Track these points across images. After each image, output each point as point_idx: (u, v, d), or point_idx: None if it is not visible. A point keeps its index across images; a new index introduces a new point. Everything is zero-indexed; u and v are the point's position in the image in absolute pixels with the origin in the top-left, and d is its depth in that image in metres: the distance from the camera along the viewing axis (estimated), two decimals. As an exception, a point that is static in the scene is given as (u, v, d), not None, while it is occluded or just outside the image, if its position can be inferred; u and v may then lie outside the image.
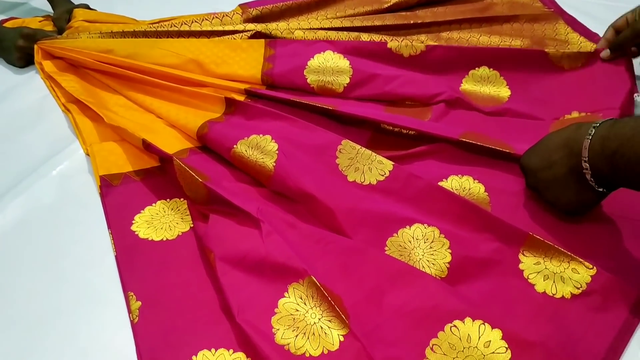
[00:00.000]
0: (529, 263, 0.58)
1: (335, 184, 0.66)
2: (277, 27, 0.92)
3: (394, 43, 0.85)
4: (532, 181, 0.63)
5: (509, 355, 0.50)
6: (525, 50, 0.84)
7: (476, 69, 0.83)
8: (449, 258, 0.58)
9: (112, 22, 0.99)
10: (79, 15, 0.97)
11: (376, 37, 0.90)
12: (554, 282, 0.56)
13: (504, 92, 0.82)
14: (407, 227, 0.61)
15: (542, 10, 0.99)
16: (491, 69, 0.83)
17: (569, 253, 0.56)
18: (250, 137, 0.71)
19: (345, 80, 0.82)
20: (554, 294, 0.55)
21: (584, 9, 0.99)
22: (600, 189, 0.56)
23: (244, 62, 0.85)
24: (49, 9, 1.08)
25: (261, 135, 0.71)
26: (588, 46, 0.86)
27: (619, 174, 0.52)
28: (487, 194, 0.65)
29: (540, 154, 0.61)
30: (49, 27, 1.02)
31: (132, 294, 0.58)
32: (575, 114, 0.75)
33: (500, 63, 0.83)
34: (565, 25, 0.95)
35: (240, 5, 1.00)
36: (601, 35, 0.85)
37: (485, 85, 0.83)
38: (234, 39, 0.89)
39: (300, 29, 0.92)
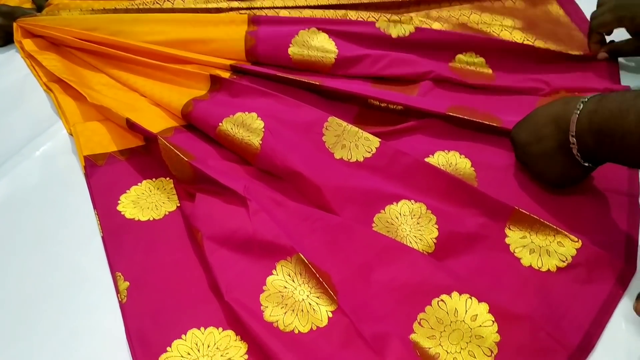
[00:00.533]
0: (515, 237, 0.58)
1: (322, 161, 0.66)
2: (261, 5, 0.91)
3: (382, 23, 0.84)
4: (520, 154, 0.64)
5: (496, 329, 0.50)
6: (514, 43, 0.83)
7: (463, 54, 0.83)
8: (435, 233, 0.59)
9: (92, -1, 0.97)
10: (58, -9, 0.95)
11: (364, 15, 0.88)
12: (539, 255, 0.56)
13: (490, 75, 0.81)
14: (394, 203, 0.62)
15: None
16: (477, 56, 0.83)
17: (555, 227, 0.57)
18: (236, 115, 0.70)
19: (330, 60, 0.81)
20: (539, 268, 0.56)
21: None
22: (586, 164, 0.56)
23: (228, 37, 0.83)
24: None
25: (247, 112, 0.70)
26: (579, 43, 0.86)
27: (604, 148, 0.52)
28: (473, 169, 0.66)
29: (529, 128, 0.61)
30: (27, 4, 1.00)
31: (119, 274, 0.58)
32: (562, 93, 0.76)
33: (488, 52, 0.83)
34: (559, 7, 0.94)
35: None
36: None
37: (473, 65, 0.82)
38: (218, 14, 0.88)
39: (285, 7, 0.90)
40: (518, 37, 0.87)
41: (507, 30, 0.89)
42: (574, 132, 0.54)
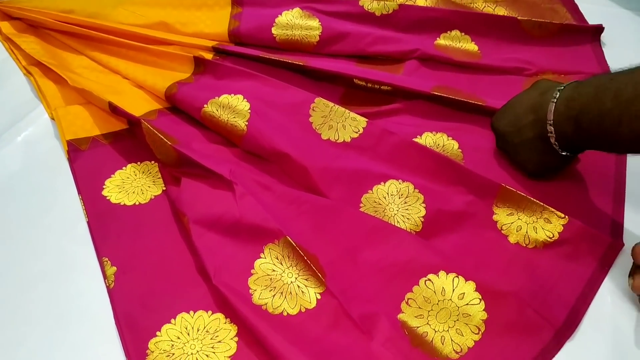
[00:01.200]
0: (502, 214, 0.58)
1: (309, 142, 0.65)
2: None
3: (365, 2, 0.83)
4: (501, 143, 0.64)
5: (483, 307, 0.51)
6: (497, 16, 0.83)
7: (448, 32, 0.82)
8: (423, 212, 0.59)
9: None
10: (36, -28, 0.93)
11: None
12: (526, 232, 0.57)
13: (476, 53, 0.81)
14: (382, 183, 0.61)
15: None
16: (463, 33, 0.82)
17: (541, 203, 0.57)
18: (221, 97, 0.69)
19: (315, 37, 0.80)
20: (527, 244, 0.56)
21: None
22: (564, 153, 0.56)
23: (210, 20, 0.82)
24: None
25: (232, 94, 0.69)
26: (561, 16, 0.86)
27: (582, 134, 0.52)
28: (460, 150, 0.65)
29: (509, 117, 0.62)
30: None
31: (106, 259, 0.57)
32: (549, 75, 0.75)
33: (472, 27, 0.82)
34: None
35: None
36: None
37: (459, 43, 0.82)
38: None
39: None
40: (501, 12, 0.87)
41: (490, 6, 0.89)
42: (551, 121, 0.55)
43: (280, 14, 0.82)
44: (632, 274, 0.52)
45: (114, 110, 0.69)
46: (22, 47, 0.81)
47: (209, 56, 0.78)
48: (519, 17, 0.82)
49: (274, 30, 0.81)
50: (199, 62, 0.76)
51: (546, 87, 0.58)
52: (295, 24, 0.81)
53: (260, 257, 0.54)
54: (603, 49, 0.81)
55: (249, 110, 0.67)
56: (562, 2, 0.90)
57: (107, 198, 0.64)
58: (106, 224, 0.61)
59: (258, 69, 0.74)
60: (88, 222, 0.61)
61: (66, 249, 0.60)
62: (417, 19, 0.82)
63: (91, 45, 0.82)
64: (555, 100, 0.54)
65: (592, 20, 0.85)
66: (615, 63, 0.77)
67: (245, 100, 0.68)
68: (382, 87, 0.73)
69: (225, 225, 0.57)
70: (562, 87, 0.55)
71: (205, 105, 0.68)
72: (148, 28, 0.82)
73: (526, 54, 0.79)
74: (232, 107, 0.68)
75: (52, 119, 0.74)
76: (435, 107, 0.70)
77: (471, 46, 0.81)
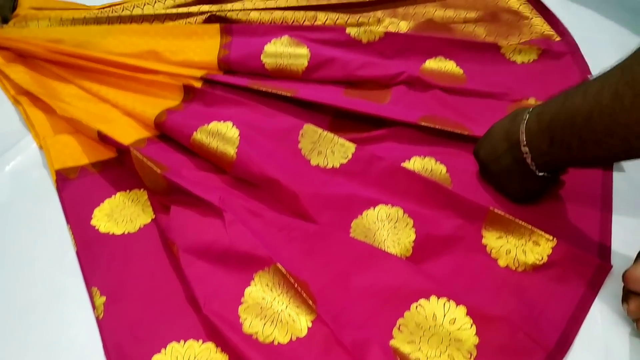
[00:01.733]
0: (491, 238, 0.59)
1: (298, 168, 0.66)
2: (232, 8, 0.90)
3: (352, 29, 0.85)
4: (483, 173, 0.65)
5: (474, 331, 0.51)
6: (480, 43, 0.86)
7: (433, 58, 0.84)
8: (413, 236, 0.59)
9: (60, 9, 0.95)
10: (26, 2, 0.93)
11: (333, 16, 0.89)
12: (516, 255, 0.57)
13: (462, 76, 0.82)
14: (372, 208, 0.62)
15: None
16: (447, 59, 0.84)
17: (530, 226, 0.57)
18: (211, 124, 0.69)
19: (303, 63, 0.81)
20: (516, 268, 0.57)
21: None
22: (542, 174, 0.57)
23: (200, 49, 0.83)
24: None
25: (222, 121, 0.70)
26: (539, 29, 0.88)
27: (557, 144, 0.52)
28: (448, 174, 0.66)
29: (486, 147, 0.62)
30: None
31: (95, 289, 0.57)
32: (532, 100, 0.77)
33: (456, 53, 0.84)
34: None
35: None
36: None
37: (444, 67, 0.83)
38: (189, 23, 0.87)
39: (255, 9, 0.90)
40: (481, 32, 0.89)
41: (470, 24, 0.92)
42: (524, 142, 0.55)
43: (270, 42, 0.83)
44: (625, 299, 0.52)
45: (103, 139, 0.69)
46: (10, 76, 0.81)
47: (198, 84, 0.79)
48: (499, 44, 0.84)
49: (263, 58, 0.82)
50: (188, 89, 0.76)
51: (517, 113, 0.58)
52: (285, 51, 0.82)
53: (251, 285, 0.54)
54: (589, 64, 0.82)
55: (239, 137, 0.67)
56: (540, 15, 0.92)
57: (96, 227, 0.63)
58: (95, 254, 0.61)
59: (246, 96, 0.75)
60: (77, 252, 0.61)
61: (55, 279, 0.60)
62: (403, 45, 0.84)
63: (80, 74, 0.82)
64: (525, 121, 0.55)
65: (573, 33, 0.87)
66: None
67: (234, 127, 0.69)
68: (369, 115, 0.74)
69: (215, 253, 0.56)
70: (531, 109, 0.56)
71: (194, 133, 0.69)
72: (138, 56, 0.82)
73: (510, 80, 0.80)
74: (221, 134, 0.68)
75: (41, 148, 0.73)
76: (422, 133, 0.71)
77: (456, 70, 0.82)
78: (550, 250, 0.56)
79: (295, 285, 0.52)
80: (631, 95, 0.43)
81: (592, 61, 0.82)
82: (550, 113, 0.52)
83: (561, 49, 0.84)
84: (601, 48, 0.86)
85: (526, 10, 0.93)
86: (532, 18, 0.92)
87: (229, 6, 0.91)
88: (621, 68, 0.46)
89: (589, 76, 0.78)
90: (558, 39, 0.86)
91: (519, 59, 0.83)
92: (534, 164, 0.56)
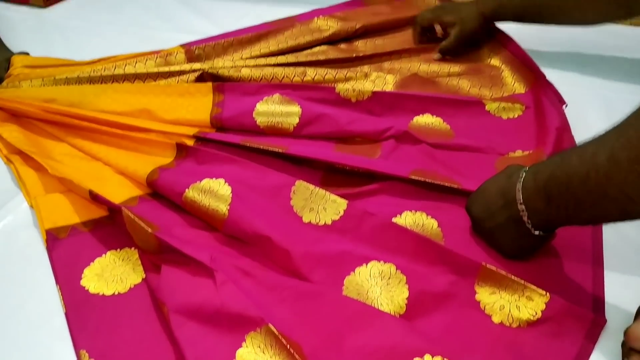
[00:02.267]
0: (484, 294, 0.58)
1: (290, 225, 0.66)
2: (223, 65, 0.92)
3: (341, 88, 0.87)
4: (476, 228, 0.65)
5: None
6: (465, 99, 0.88)
7: (420, 115, 0.86)
8: (406, 294, 0.59)
9: (53, 66, 0.96)
10: (18, 62, 0.95)
11: (322, 72, 0.91)
12: (509, 311, 0.57)
13: (449, 132, 0.84)
14: (364, 265, 0.61)
15: None
16: (434, 116, 0.86)
17: (522, 281, 0.57)
18: (203, 182, 0.70)
19: (294, 120, 0.82)
20: (510, 324, 0.56)
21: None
22: (538, 232, 0.57)
23: (193, 107, 0.85)
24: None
25: (214, 179, 0.70)
26: (517, 86, 0.92)
27: (553, 204, 0.53)
28: (440, 229, 0.66)
29: (481, 203, 0.63)
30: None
31: (84, 352, 0.56)
32: (519, 152, 0.78)
33: (442, 110, 0.86)
34: (499, 59, 0.99)
35: (182, 45, 1.00)
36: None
37: (432, 123, 0.85)
38: (182, 81, 0.89)
39: (246, 66, 0.92)
40: (465, 84, 0.92)
41: (454, 77, 0.94)
42: (521, 200, 0.56)
43: (261, 100, 0.85)
44: (627, 356, 0.51)
45: (95, 198, 0.69)
46: (3, 136, 0.82)
47: (190, 142, 0.79)
48: (484, 101, 0.87)
49: (255, 116, 0.83)
50: (180, 147, 0.77)
51: (512, 170, 0.59)
52: (276, 109, 0.84)
53: (242, 347, 0.53)
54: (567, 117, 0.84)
55: (231, 194, 0.68)
56: (525, 67, 0.95)
57: (86, 288, 0.63)
58: (84, 315, 0.60)
59: (239, 154, 0.75)
60: (66, 314, 0.60)
61: (43, 342, 0.58)
62: (391, 104, 0.86)
63: (73, 132, 0.83)
64: (522, 179, 0.56)
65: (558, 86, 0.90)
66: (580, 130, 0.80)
67: (226, 184, 0.69)
68: (361, 170, 0.74)
69: (206, 313, 0.56)
70: (528, 168, 0.57)
71: (186, 190, 0.69)
72: (131, 115, 0.83)
73: (496, 134, 0.82)
74: (213, 192, 0.68)
75: (32, 207, 0.73)
76: (413, 187, 0.71)
77: (444, 126, 0.84)
78: (544, 306, 0.56)
79: (288, 347, 0.52)
80: (627, 158, 0.44)
81: (575, 115, 0.84)
82: (547, 173, 0.53)
83: (545, 102, 0.86)
84: (584, 101, 0.89)
85: (507, 68, 0.96)
86: (514, 74, 0.94)
87: (220, 64, 0.93)
88: (616, 131, 0.47)
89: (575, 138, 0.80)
90: (540, 91, 0.88)
91: (504, 114, 0.85)
92: (530, 222, 0.56)
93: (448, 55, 0.99)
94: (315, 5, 1.18)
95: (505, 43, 1.01)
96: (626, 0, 0.81)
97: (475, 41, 1.01)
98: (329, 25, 1.07)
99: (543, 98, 0.87)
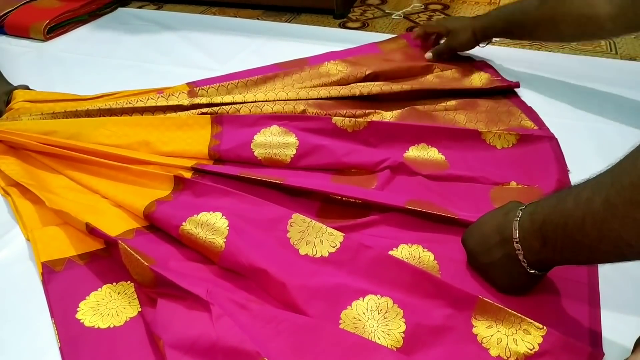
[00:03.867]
0: (481, 327, 0.58)
1: (286, 258, 0.66)
2: (222, 101, 0.93)
3: (338, 118, 0.88)
4: (472, 262, 0.65)
5: None
6: (461, 129, 0.89)
7: (416, 145, 0.87)
8: (403, 327, 0.58)
9: (53, 101, 0.97)
10: (19, 96, 0.96)
11: (321, 112, 0.92)
12: (507, 344, 0.56)
13: (444, 163, 0.85)
14: (361, 298, 0.61)
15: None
16: (430, 147, 0.87)
17: (519, 315, 0.57)
18: (200, 215, 0.70)
19: (291, 152, 0.83)
20: (508, 357, 0.56)
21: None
22: (533, 271, 0.57)
23: (191, 139, 0.85)
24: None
25: (211, 212, 0.70)
26: (517, 119, 0.94)
27: (549, 245, 0.53)
28: (436, 262, 0.66)
29: (477, 237, 0.63)
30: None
31: None
32: (513, 184, 0.79)
33: (438, 140, 0.87)
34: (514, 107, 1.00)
35: (188, 84, 1.01)
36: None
37: (427, 154, 0.86)
38: (180, 115, 0.90)
39: (245, 103, 0.93)
40: (461, 119, 0.93)
41: (451, 112, 0.95)
42: (517, 239, 0.56)
43: (259, 132, 0.86)
44: None
45: (91, 232, 0.69)
46: (1, 168, 0.82)
47: (188, 175, 0.80)
48: (479, 130, 0.87)
49: (253, 147, 0.84)
50: (178, 180, 0.77)
51: (510, 207, 0.60)
52: (274, 140, 0.85)
53: None
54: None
55: (228, 227, 0.68)
56: (516, 105, 0.97)
57: (81, 321, 0.62)
58: (79, 349, 0.59)
59: (236, 186, 0.76)
60: (60, 348, 0.60)
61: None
62: (387, 133, 0.87)
63: (71, 165, 0.83)
64: (519, 218, 0.56)
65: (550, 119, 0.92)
66: (575, 167, 0.82)
67: (223, 217, 0.69)
68: (357, 200, 0.75)
69: (202, 348, 0.55)
70: (524, 206, 0.57)
71: (183, 223, 0.69)
72: (129, 147, 0.84)
73: (490, 164, 0.83)
74: (210, 225, 0.68)
75: (28, 240, 0.73)
76: (409, 218, 0.72)
77: (439, 156, 0.85)
78: (541, 339, 0.56)
79: (284, 382, 0.51)
80: (622, 203, 0.45)
81: (568, 146, 0.86)
82: (543, 214, 0.54)
83: (538, 134, 0.87)
84: (576, 134, 0.90)
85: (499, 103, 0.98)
86: (510, 107, 0.96)
87: (218, 99, 0.94)
88: (611, 175, 0.47)
89: (568, 170, 0.81)
90: (535, 127, 0.90)
91: (498, 144, 0.86)
92: (526, 261, 0.57)
93: (439, 59, 1.12)
94: (311, 40, 1.21)
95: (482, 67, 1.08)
96: (591, 25, 0.89)
97: (465, 50, 1.15)
98: (338, 70, 1.06)
99: (535, 130, 0.88)
